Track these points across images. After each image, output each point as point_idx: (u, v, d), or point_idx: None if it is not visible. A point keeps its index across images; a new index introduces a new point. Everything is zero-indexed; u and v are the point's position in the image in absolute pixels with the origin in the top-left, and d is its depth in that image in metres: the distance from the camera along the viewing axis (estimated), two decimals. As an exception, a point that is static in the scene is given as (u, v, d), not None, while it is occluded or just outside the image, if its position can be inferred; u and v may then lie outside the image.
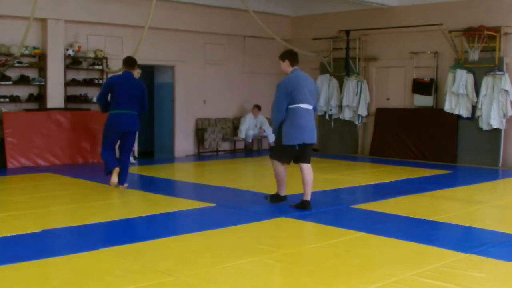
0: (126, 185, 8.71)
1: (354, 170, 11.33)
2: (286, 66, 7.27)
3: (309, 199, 7.17)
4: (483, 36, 11.51)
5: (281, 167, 7.33)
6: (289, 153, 7.21)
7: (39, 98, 11.33)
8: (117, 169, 8.54)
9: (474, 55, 11.75)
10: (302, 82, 7.15)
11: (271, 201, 7.45)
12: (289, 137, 7.12)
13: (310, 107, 7.21)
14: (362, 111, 13.53)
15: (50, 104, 11.31)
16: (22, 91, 11.16)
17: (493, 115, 11.52)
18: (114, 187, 8.66)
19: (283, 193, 7.42)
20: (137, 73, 9.02)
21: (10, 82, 10.90)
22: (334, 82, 13.83)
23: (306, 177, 7.15)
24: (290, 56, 7.30)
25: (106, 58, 11.98)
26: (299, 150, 7.19)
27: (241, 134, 13.79)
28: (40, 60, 11.25)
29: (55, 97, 11.38)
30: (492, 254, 5.17)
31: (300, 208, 7.11)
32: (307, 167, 7.19)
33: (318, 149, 14.39)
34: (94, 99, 11.95)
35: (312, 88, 7.30)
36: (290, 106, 7.13)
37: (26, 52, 10.98)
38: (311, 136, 7.19)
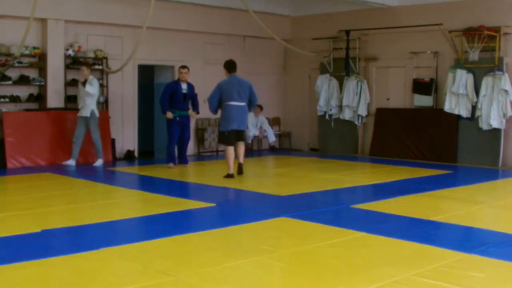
0: (186, 164, 11.28)
1: (354, 170, 11.32)
2: (225, 73, 9.76)
3: (242, 162, 9.80)
4: (483, 36, 11.51)
5: (230, 150, 9.61)
6: (228, 136, 9.60)
7: (39, 98, 11.32)
8: (170, 164, 11.01)
9: (474, 55, 11.75)
10: (232, 85, 9.58)
11: (225, 177, 9.54)
12: (222, 125, 9.72)
13: (240, 103, 9.58)
14: (362, 111, 13.53)
15: (50, 104, 11.31)
16: (22, 91, 11.16)
17: (493, 115, 11.52)
18: (114, 187, 8.88)
19: (231, 171, 9.59)
20: (184, 73, 11.03)
21: (10, 82, 10.90)
22: (334, 82, 13.82)
23: (238, 150, 9.75)
24: (226, 66, 9.77)
25: (106, 58, 11.98)
26: (236, 134, 9.63)
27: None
28: (40, 60, 11.25)
29: (55, 97, 11.38)
30: (492, 254, 5.17)
31: (233, 175, 9.62)
32: (241, 143, 9.74)
33: (318, 149, 14.40)
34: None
35: (245, 90, 9.63)
36: (223, 103, 9.61)
37: (26, 52, 10.97)
38: (238, 124, 9.59)
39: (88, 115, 10.90)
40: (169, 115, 10.88)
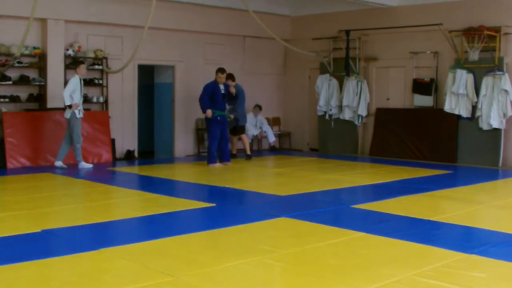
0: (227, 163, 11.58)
1: (354, 170, 11.32)
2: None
3: (250, 154, 12.46)
4: (483, 36, 11.51)
5: (232, 137, 12.49)
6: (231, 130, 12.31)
7: (39, 98, 11.31)
8: (216, 164, 11.34)
9: (474, 55, 11.75)
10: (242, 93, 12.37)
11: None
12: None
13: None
14: (362, 111, 13.52)
15: (50, 104, 11.30)
16: (22, 91, 11.15)
17: (493, 115, 11.52)
18: (114, 187, 8.92)
19: (233, 151, 12.64)
20: (223, 77, 11.42)
21: (10, 82, 10.90)
22: (334, 82, 13.82)
23: (243, 141, 12.47)
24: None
25: (106, 58, 11.98)
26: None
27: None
28: (40, 60, 11.24)
29: (55, 97, 11.36)
30: (492, 254, 5.17)
31: (247, 159, 12.27)
32: (243, 136, 12.48)
33: (318, 149, 14.39)
34: (94, 99, 11.96)
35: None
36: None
37: (26, 52, 10.97)
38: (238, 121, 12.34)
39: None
40: (209, 113, 11.16)
